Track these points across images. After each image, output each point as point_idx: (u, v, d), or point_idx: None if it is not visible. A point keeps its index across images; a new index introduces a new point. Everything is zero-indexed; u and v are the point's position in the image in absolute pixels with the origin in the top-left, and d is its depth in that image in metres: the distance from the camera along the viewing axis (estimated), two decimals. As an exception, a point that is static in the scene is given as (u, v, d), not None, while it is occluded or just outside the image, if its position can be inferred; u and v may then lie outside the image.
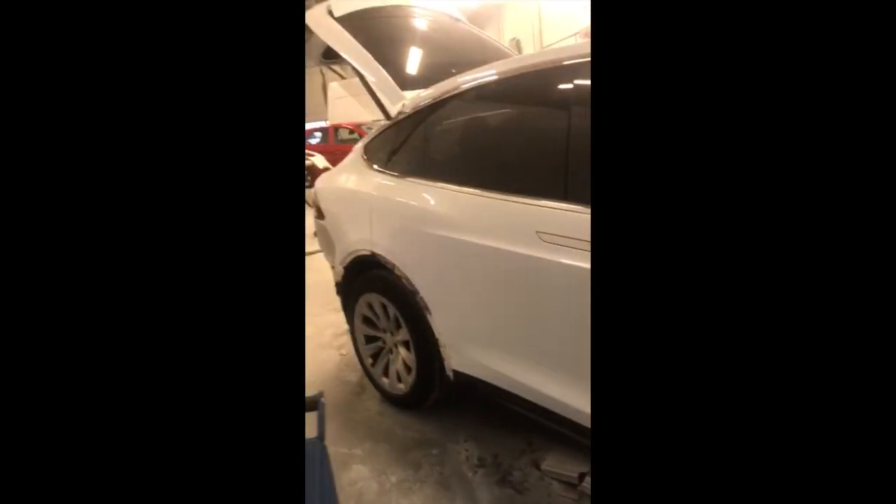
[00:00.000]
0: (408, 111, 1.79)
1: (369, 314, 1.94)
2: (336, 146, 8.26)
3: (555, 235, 1.19)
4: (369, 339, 2.00)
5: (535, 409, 1.39)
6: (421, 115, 1.75)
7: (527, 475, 1.54)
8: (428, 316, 1.61)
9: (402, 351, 1.85)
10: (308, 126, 13.85)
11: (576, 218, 1.15)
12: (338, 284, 2.08)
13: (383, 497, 1.51)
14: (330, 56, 2.31)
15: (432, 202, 1.59)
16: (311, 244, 4.61)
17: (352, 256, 1.89)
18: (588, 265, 1.08)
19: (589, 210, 1.10)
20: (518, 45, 11.48)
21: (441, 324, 1.59)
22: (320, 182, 2.20)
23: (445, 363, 1.63)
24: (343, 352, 2.47)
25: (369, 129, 7.02)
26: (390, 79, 1.81)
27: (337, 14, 1.95)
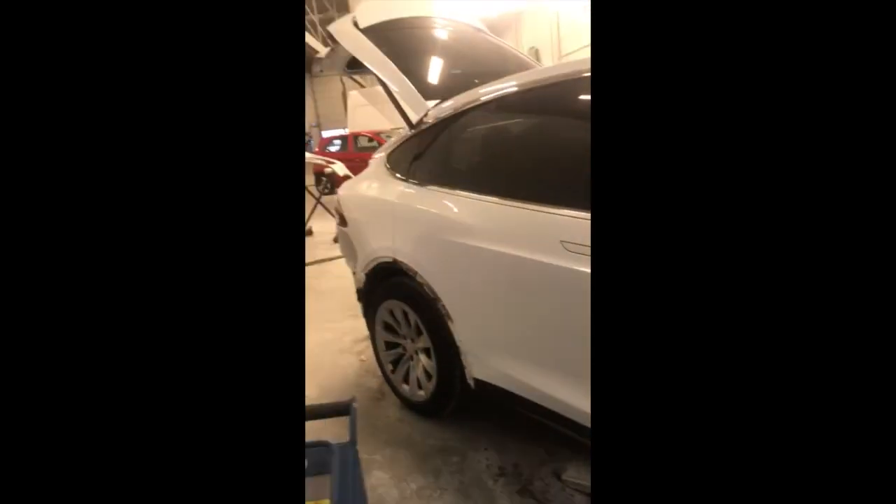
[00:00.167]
0: (430, 121, 1.81)
1: (390, 321, 1.96)
2: (355, 154, 8.35)
3: (579, 245, 1.19)
4: (390, 346, 2.01)
5: (557, 418, 1.38)
6: (443, 125, 1.77)
7: (548, 485, 1.53)
8: (449, 323, 1.62)
9: (423, 358, 1.86)
10: (328, 134, 14.04)
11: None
12: (359, 291, 2.10)
13: (403, 503, 1.52)
14: (354, 66, 2.36)
15: (455, 210, 1.60)
16: (332, 250, 4.67)
17: (374, 263, 1.91)
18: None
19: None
20: (537, 54, 11.51)
21: (462, 331, 1.60)
22: (343, 190, 2.23)
23: (466, 371, 1.63)
24: (363, 358, 2.49)
25: (388, 136, 7.07)
26: (414, 88, 1.84)
27: (362, 25, 1.99)
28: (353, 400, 0.83)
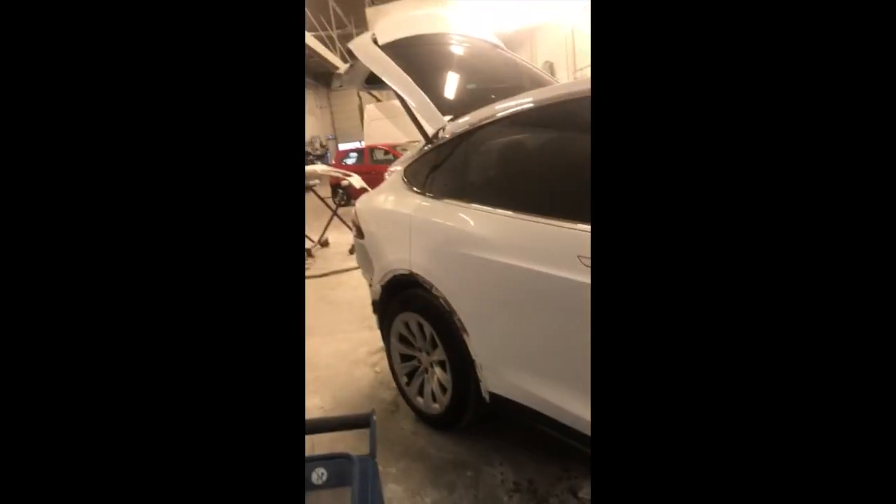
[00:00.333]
0: (448, 135, 1.84)
1: (405, 333, 1.97)
2: (371, 166, 8.44)
3: (596, 259, 1.19)
4: (405, 358, 2.02)
5: (572, 434, 1.37)
6: (460, 139, 1.79)
7: (563, 502, 1.52)
8: (465, 336, 1.62)
9: (438, 371, 1.86)
10: (345, 147, 14.22)
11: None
12: (374, 302, 2.11)
13: (417, 518, 1.51)
14: (372, 82, 2.40)
15: (472, 223, 1.61)
16: (347, 261, 4.71)
17: (390, 275, 1.92)
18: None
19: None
20: (551, 68, 11.57)
21: (478, 345, 1.60)
22: (360, 202, 2.26)
23: (481, 385, 1.63)
24: (377, 369, 2.50)
25: (403, 150, 7.11)
26: (431, 104, 1.86)
27: (381, 42, 2.03)
28: (372, 412, 0.84)
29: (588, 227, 1.25)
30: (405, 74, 1.92)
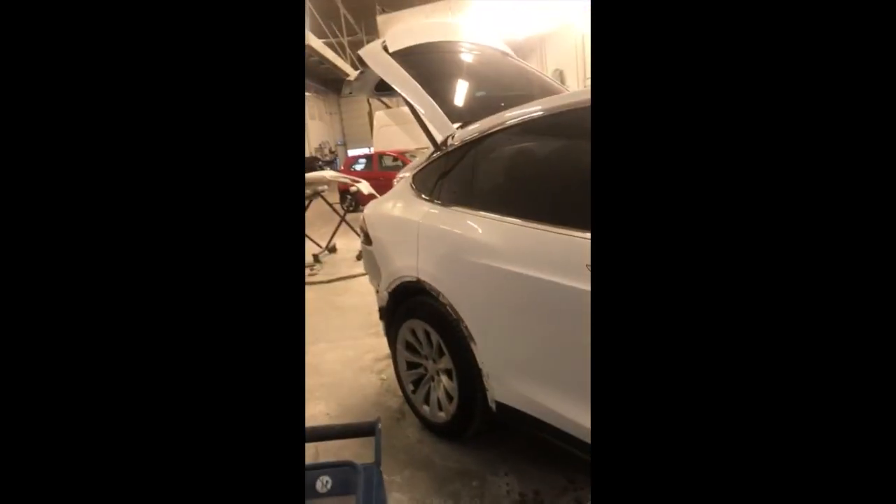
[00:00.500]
0: (457, 143, 1.84)
1: (412, 340, 1.96)
2: (380, 172, 8.47)
3: (605, 269, 1.18)
4: (411, 366, 2.01)
5: (579, 445, 1.36)
6: (469, 147, 1.80)
7: (569, 514, 1.50)
8: (472, 345, 1.62)
9: (444, 379, 1.85)
10: (354, 152, 14.31)
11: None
12: (381, 309, 2.11)
13: (422, 527, 1.50)
14: (382, 89, 2.41)
15: (480, 231, 1.61)
16: (355, 267, 4.72)
17: (397, 282, 1.92)
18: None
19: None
20: (561, 76, 11.58)
21: (485, 353, 1.59)
22: (369, 209, 2.26)
23: (488, 394, 1.62)
24: (383, 377, 2.49)
25: (412, 156, 7.16)
26: (440, 111, 1.87)
27: (391, 50, 2.04)
28: (377, 421, 0.84)
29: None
30: (414, 82, 1.93)
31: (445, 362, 1.79)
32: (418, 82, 1.93)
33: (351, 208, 6.46)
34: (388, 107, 3.47)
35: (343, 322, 3.39)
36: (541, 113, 1.58)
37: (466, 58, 2.39)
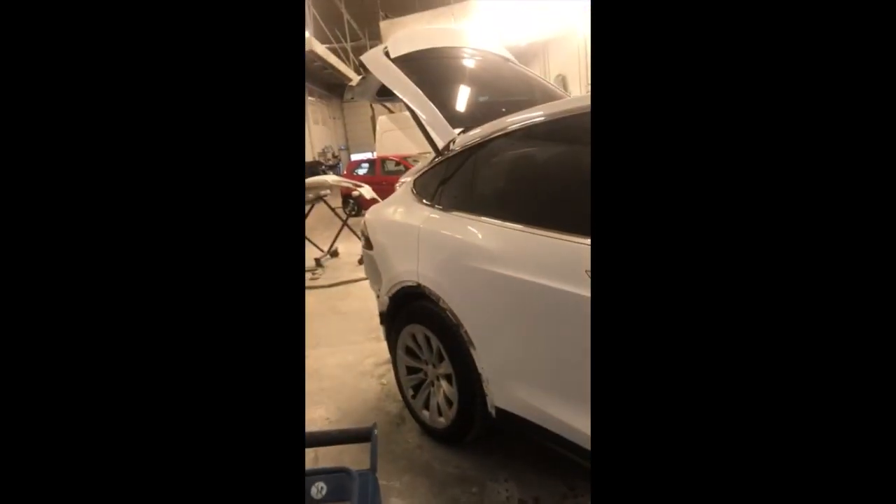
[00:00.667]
0: (458, 148, 1.84)
1: (412, 345, 1.96)
2: (382, 177, 8.48)
3: (604, 275, 1.18)
4: (411, 371, 2.01)
5: (578, 451, 1.35)
6: (470, 152, 1.80)
7: (569, 522, 1.49)
8: (471, 350, 1.61)
9: (444, 384, 1.85)
10: (357, 157, 14.36)
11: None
12: (382, 314, 2.11)
13: (420, 534, 1.49)
14: (384, 94, 2.42)
15: (480, 236, 1.61)
16: (356, 272, 4.72)
17: (397, 287, 1.92)
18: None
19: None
20: (563, 81, 11.61)
21: (484, 359, 1.59)
22: (370, 213, 2.27)
23: (488, 399, 1.61)
24: (384, 381, 2.49)
25: (415, 161, 7.18)
26: (441, 117, 1.87)
27: (393, 55, 2.05)
28: (374, 426, 0.83)
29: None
30: (416, 87, 1.94)
31: (445, 367, 1.78)
32: (419, 88, 1.94)
33: (353, 213, 6.47)
34: (391, 112, 3.48)
35: (344, 326, 3.39)
36: (541, 118, 1.58)
37: (468, 63, 2.39)
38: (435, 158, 1.96)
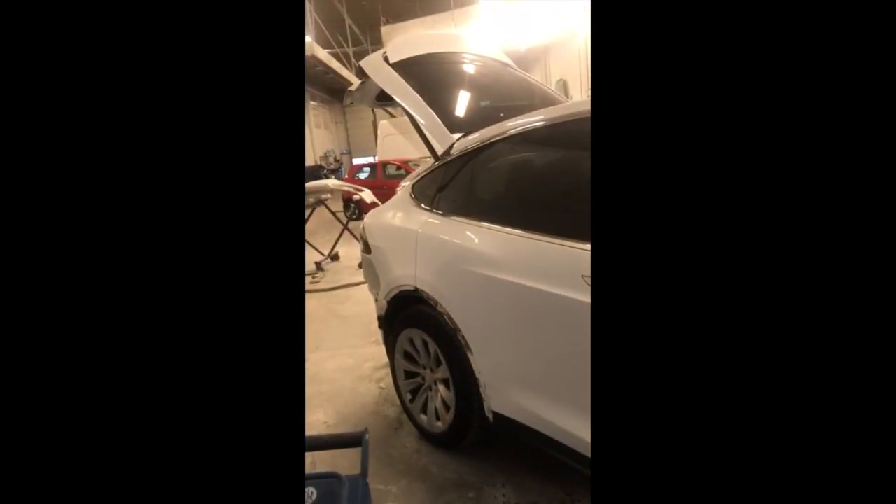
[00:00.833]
0: (456, 153, 1.85)
1: (410, 349, 1.96)
2: (384, 181, 8.50)
3: (600, 280, 1.18)
4: (409, 375, 2.01)
5: (576, 457, 1.35)
6: (468, 157, 1.80)
7: (566, 527, 1.48)
8: (469, 355, 1.61)
9: (442, 389, 1.85)
10: (359, 161, 14.39)
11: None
12: (380, 318, 2.11)
13: (417, 539, 1.49)
14: (383, 99, 2.43)
15: (477, 241, 1.61)
16: (357, 276, 4.72)
17: (395, 291, 1.92)
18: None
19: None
20: (565, 87, 11.64)
21: (482, 364, 1.58)
22: (369, 218, 2.27)
23: (485, 404, 1.61)
24: (382, 385, 2.49)
25: (416, 165, 7.20)
26: (440, 122, 1.88)
27: (392, 61, 2.06)
28: (365, 431, 0.83)
29: (592, 247, 1.24)
30: (414, 92, 1.95)
31: (443, 372, 1.78)
32: (418, 93, 1.94)
33: (354, 217, 6.48)
34: (392, 116, 3.50)
35: (344, 330, 3.39)
36: (540, 123, 1.58)
37: (467, 69, 2.40)
38: (434, 163, 1.97)
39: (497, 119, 1.82)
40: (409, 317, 1.90)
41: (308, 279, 4.82)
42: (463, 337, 1.62)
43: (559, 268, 1.31)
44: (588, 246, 1.25)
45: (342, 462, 1.79)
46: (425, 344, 1.85)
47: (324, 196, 5.43)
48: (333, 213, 5.92)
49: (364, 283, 4.20)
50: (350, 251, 5.75)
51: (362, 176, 9.38)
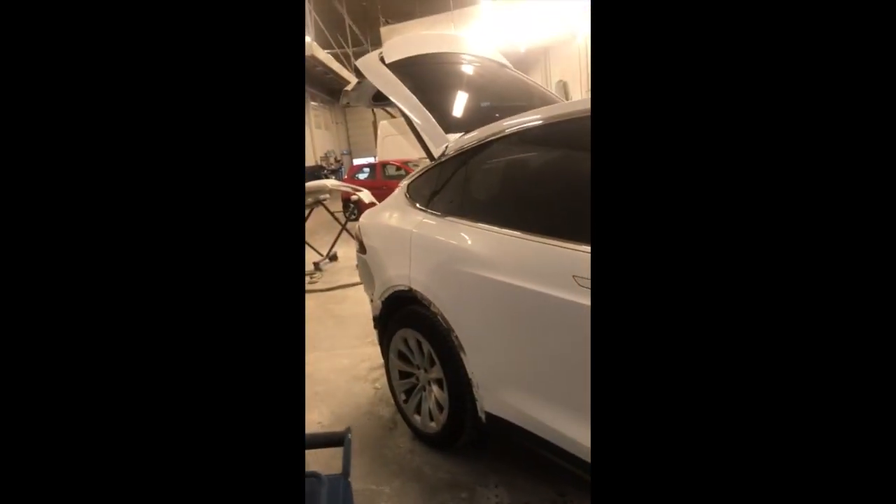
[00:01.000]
0: (451, 153, 1.84)
1: (404, 350, 1.96)
2: (383, 182, 8.50)
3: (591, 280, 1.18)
4: (403, 375, 2.01)
5: (568, 457, 1.35)
6: (464, 157, 1.80)
7: (558, 528, 1.48)
8: (462, 355, 1.61)
9: (435, 389, 1.84)
10: (359, 162, 14.39)
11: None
12: (375, 318, 2.11)
13: (409, 539, 1.49)
14: (379, 99, 2.43)
15: (470, 241, 1.61)
16: (355, 276, 4.72)
17: (390, 291, 1.92)
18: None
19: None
20: (565, 88, 11.64)
21: (475, 364, 1.58)
22: (364, 218, 2.27)
23: (478, 404, 1.61)
24: (377, 385, 2.48)
25: (415, 165, 7.20)
26: (435, 122, 1.88)
27: (388, 61, 2.06)
28: (348, 431, 0.83)
29: (583, 247, 1.24)
30: (410, 93, 1.95)
31: (436, 372, 1.78)
32: (414, 93, 1.94)
33: (353, 217, 6.47)
34: (392, 116, 3.50)
35: (340, 331, 3.39)
36: (538, 122, 1.58)
37: (463, 69, 2.40)
38: (429, 163, 1.97)
39: (493, 120, 1.82)
40: (403, 317, 1.90)
41: (306, 279, 4.82)
42: (456, 337, 1.62)
43: (550, 268, 1.31)
44: (579, 246, 1.25)
45: (336, 462, 1.79)
46: (419, 344, 1.85)
47: (322, 196, 5.43)
48: (332, 214, 5.92)
49: (360, 283, 4.20)
50: (348, 251, 5.75)
51: (362, 176, 9.38)
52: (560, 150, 1.56)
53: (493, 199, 1.73)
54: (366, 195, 5.09)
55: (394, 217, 2.06)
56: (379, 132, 9.53)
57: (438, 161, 1.90)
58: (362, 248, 2.19)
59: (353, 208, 6.74)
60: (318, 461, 1.71)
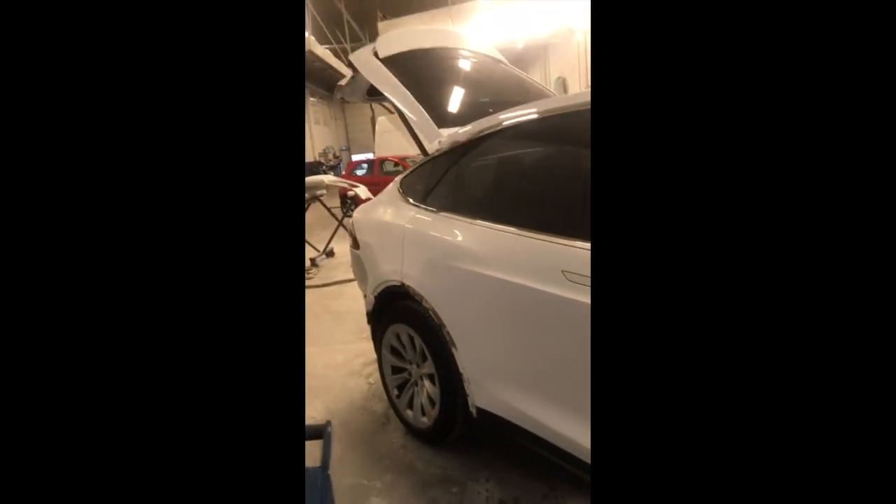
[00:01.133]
0: (445, 148, 1.84)
1: (397, 345, 1.96)
2: (381, 178, 8.50)
3: (580, 275, 1.18)
4: (396, 370, 2.01)
5: (559, 452, 1.35)
6: (457, 152, 1.80)
7: (548, 523, 1.48)
8: (453, 350, 1.61)
9: (427, 384, 1.85)
10: (357, 157, 14.38)
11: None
12: (368, 313, 2.11)
13: (399, 533, 1.49)
14: (373, 94, 2.42)
15: (461, 237, 1.61)
16: (350, 272, 4.72)
17: (382, 286, 1.92)
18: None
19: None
20: (564, 84, 11.62)
21: (466, 359, 1.59)
22: (358, 213, 2.27)
23: (469, 399, 1.61)
24: (371, 381, 2.49)
25: (413, 162, 7.20)
26: (428, 117, 1.87)
27: (382, 55, 2.05)
28: (328, 423, 0.83)
29: (572, 242, 1.23)
30: (403, 87, 1.94)
31: (428, 367, 1.78)
32: (408, 88, 1.94)
33: (350, 213, 6.47)
34: (391, 112, 3.48)
35: (336, 326, 3.39)
36: (533, 115, 1.57)
37: (457, 64, 2.39)
38: (422, 158, 1.96)
39: (486, 115, 1.82)
40: (395, 312, 1.90)
41: (302, 275, 4.82)
42: (448, 332, 1.62)
43: (540, 263, 1.31)
44: (568, 241, 1.25)
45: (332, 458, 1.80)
46: (411, 339, 1.85)
47: (319, 192, 5.42)
48: (329, 209, 5.91)
49: (355, 279, 4.20)
50: (345, 247, 5.71)
51: (360, 172, 9.38)
52: (552, 145, 1.55)
53: (485, 194, 1.73)
54: (362, 191, 5.08)
55: (387, 212, 2.05)
56: (377, 128, 9.52)
57: (432, 156, 1.89)
58: (356, 244, 2.19)
59: (350, 204, 6.74)
60: (310, 455, 1.72)
